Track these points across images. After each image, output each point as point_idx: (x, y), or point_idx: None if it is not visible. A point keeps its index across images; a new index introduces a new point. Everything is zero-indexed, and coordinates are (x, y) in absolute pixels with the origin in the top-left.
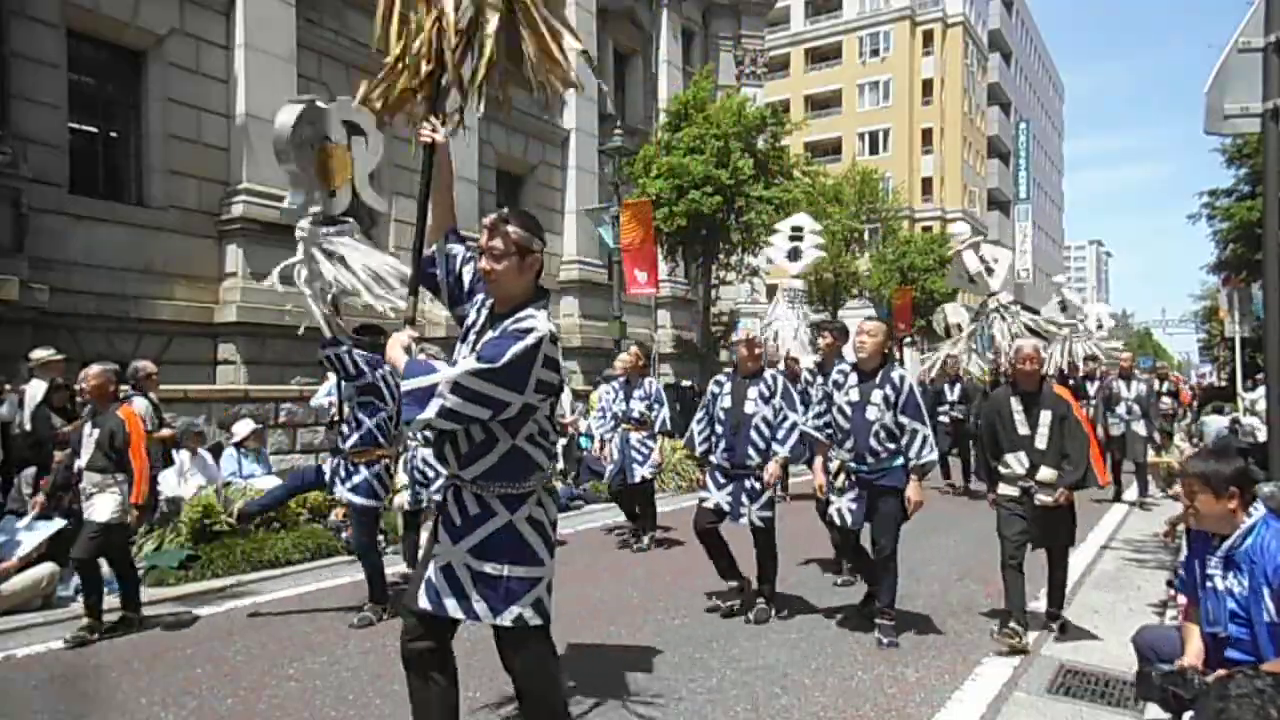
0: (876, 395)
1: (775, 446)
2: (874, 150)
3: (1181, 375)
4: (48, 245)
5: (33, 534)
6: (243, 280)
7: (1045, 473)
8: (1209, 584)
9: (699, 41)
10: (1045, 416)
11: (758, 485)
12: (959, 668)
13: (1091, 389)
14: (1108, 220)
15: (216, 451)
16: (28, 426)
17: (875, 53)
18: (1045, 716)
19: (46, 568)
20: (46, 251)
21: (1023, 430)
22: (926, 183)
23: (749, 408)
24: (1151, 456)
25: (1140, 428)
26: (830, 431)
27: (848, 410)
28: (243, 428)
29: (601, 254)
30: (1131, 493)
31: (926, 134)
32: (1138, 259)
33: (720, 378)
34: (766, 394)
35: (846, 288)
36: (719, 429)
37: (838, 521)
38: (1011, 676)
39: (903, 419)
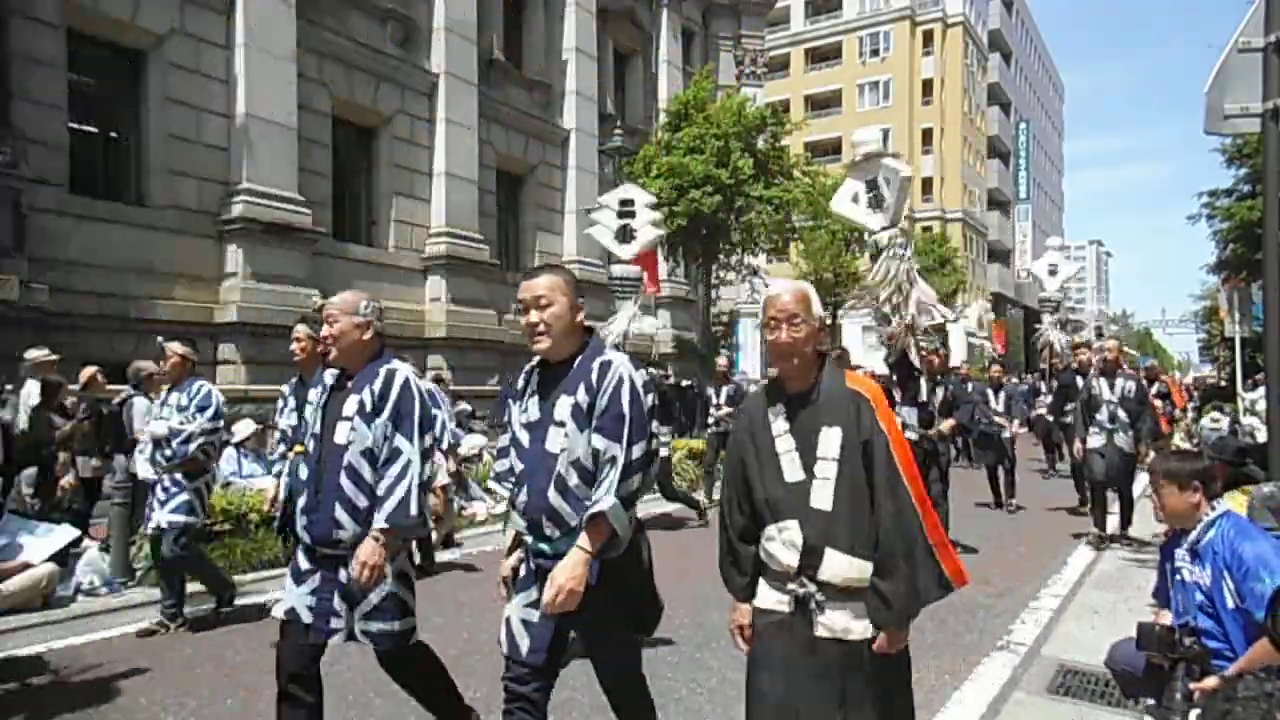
0: (563, 405)
1: (377, 513)
2: None
3: (1177, 376)
4: (48, 245)
5: (41, 540)
6: (243, 280)
7: (835, 563)
8: (1178, 576)
9: (699, 41)
10: (829, 440)
11: (366, 570)
12: (959, 668)
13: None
14: (1108, 220)
15: (218, 450)
16: (25, 427)
17: (875, 53)
18: (1045, 716)
19: (46, 568)
20: (46, 251)
21: (790, 472)
22: (926, 183)
23: (341, 434)
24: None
25: (1125, 440)
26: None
27: (523, 439)
28: (244, 428)
29: (601, 254)
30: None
31: (926, 134)
32: (1138, 259)
33: (327, 376)
34: (369, 407)
35: (847, 288)
36: (305, 471)
37: (505, 648)
38: (1011, 677)
39: (598, 441)
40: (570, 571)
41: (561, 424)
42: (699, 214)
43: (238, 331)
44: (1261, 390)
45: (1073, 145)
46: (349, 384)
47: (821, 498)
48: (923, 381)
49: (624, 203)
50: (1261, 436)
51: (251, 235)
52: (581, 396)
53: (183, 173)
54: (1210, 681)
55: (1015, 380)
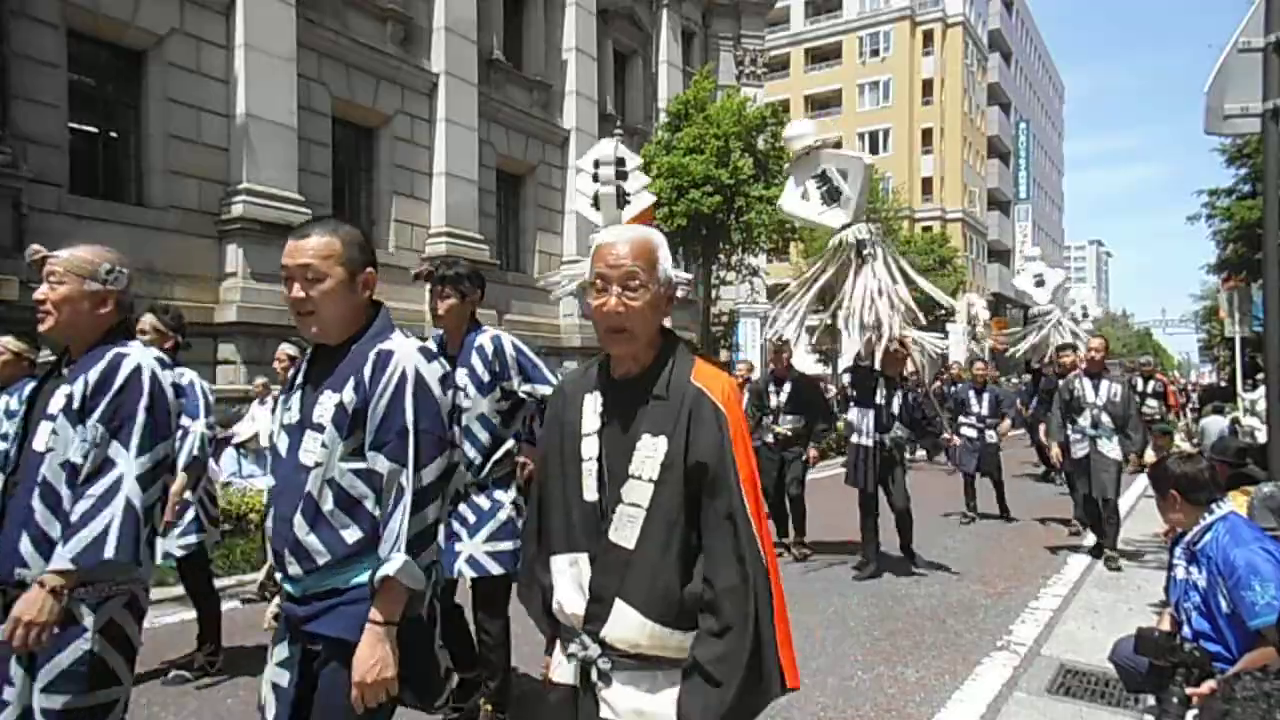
0: (324, 405)
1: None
2: (874, 150)
3: (1178, 375)
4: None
5: None
6: (243, 280)
7: (624, 622)
8: (1172, 572)
9: (699, 41)
10: (649, 454)
11: (31, 632)
12: (959, 668)
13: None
14: (1108, 220)
15: (216, 451)
16: None
17: (875, 53)
18: (1045, 716)
19: None
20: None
21: (590, 488)
22: (926, 183)
23: (41, 438)
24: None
25: (1111, 448)
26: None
27: (281, 446)
28: (244, 428)
29: None
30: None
31: (926, 134)
32: (1138, 259)
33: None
34: (78, 402)
35: None
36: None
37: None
38: (1011, 677)
39: (380, 463)
40: (369, 661)
41: (320, 428)
42: (699, 214)
43: (237, 331)
44: (1261, 390)
45: (1073, 145)
46: (65, 371)
47: (624, 531)
48: (880, 382)
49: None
50: (1261, 436)
51: (251, 235)
52: (348, 395)
53: (183, 173)
54: (1208, 686)
55: (1015, 380)
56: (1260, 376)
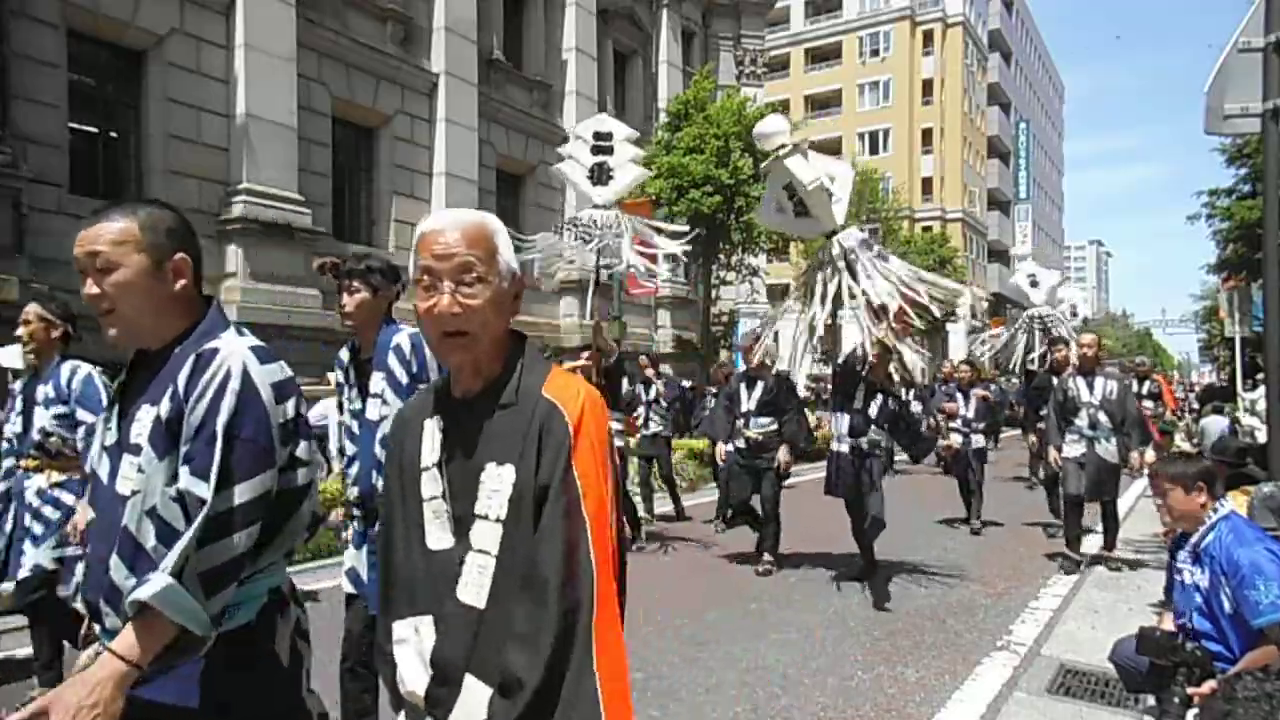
0: (142, 421)
1: None
2: (874, 150)
3: (1178, 376)
4: (48, 245)
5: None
6: (243, 280)
7: (477, 704)
8: (1178, 577)
9: (699, 41)
10: (495, 487)
11: None
12: (959, 668)
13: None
14: (1108, 220)
15: None
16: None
17: (875, 53)
18: (1045, 716)
19: None
20: (46, 251)
21: (436, 533)
22: (926, 183)
23: None
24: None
25: (1107, 449)
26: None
27: (102, 472)
28: None
29: None
30: (1092, 542)
31: (926, 134)
32: (1138, 259)
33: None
34: None
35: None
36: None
37: None
38: (1011, 677)
39: (185, 478)
40: (84, 699)
41: (136, 450)
42: (699, 214)
43: None
44: (1261, 390)
45: (1073, 145)
46: None
47: (472, 586)
48: (861, 386)
49: (600, 135)
50: (1261, 436)
51: (251, 235)
52: (165, 407)
53: (183, 173)
54: (1208, 686)
55: (1016, 380)
56: (1260, 376)
